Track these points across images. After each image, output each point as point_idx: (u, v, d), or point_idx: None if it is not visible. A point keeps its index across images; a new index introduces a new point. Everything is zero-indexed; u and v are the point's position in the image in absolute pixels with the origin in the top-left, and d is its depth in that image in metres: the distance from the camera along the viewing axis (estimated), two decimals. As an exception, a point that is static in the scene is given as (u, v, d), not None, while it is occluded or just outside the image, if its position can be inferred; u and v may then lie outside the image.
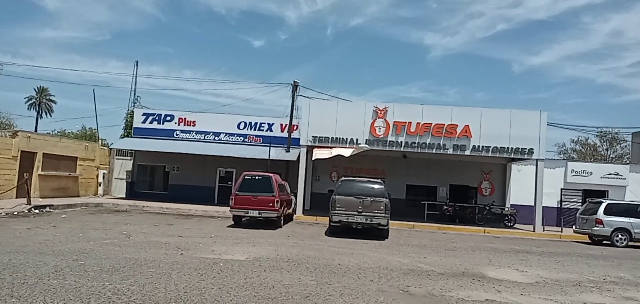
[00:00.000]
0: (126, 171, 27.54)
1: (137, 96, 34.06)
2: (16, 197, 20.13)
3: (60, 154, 23.60)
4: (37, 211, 17.87)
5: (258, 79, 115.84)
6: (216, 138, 27.19)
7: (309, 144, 22.09)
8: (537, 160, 21.80)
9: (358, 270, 9.45)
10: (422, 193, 25.93)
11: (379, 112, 21.99)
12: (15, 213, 16.66)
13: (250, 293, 7.04)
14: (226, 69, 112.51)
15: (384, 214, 14.81)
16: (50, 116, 70.52)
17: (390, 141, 21.91)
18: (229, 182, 27.27)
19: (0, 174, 19.57)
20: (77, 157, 25.09)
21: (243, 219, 16.94)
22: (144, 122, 27.67)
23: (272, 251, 11.26)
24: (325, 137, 21.92)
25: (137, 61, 37.45)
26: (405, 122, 21.84)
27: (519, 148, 21.70)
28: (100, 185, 27.27)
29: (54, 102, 71.22)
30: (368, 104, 22.38)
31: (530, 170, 24.08)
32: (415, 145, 21.87)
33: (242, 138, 27.16)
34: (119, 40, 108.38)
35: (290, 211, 19.19)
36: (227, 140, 27.08)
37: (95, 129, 48.91)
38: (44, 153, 22.24)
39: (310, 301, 6.82)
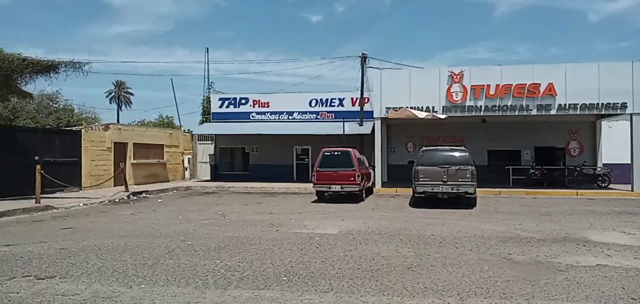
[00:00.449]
0: (209, 155, 28.79)
1: (211, 82, 35.30)
2: (114, 186, 21.69)
3: (149, 143, 25.10)
4: (134, 197, 19.19)
5: (317, 54, 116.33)
6: (290, 117, 27.66)
7: (383, 116, 21.91)
8: (632, 114, 20.28)
9: (453, 240, 9.34)
10: (504, 158, 24.98)
11: (455, 76, 21.35)
12: (117, 200, 17.97)
13: (353, 265, 7.18)
14: (287, 48, 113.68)
15: (470, 182, 14.47)
16: (129, 107, 74.97)
17: (468, 106, 21.25)
18: (306, 160, 27.77)
19: (98, 165, 21.15)
20: (163, 145, 26.57)
21: (326, 194, 17.22)
22: (221, 106, 28.68)
23: (362, 224, 11.39)
24: (399, 108, 21.62)
25: (207, 48, 38.83)
26: (484, 85, 21.07)
27: (610, 103, 20.29)
28: (186, 169, 28.75)
29: (132, 94, 75.50)
30: (442, 69, 21.78)
31: (622, 126, 22.46)
32: (496, 108, 21.06)
33: (314, 115, 27.44)
34: (184, 29, 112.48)
35: (369, 184, 19.26)
36: (301, 118, 27.47)
37: (171, 117, 51.49)
38: (134, 143, 23.74)
39: (414, 272, 6.86)
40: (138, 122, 47.13)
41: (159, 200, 18.40)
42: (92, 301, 5.52)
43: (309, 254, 7.95)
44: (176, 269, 6.96)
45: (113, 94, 72.65)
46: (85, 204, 16.34)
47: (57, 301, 5.50)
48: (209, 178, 28.55)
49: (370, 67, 25.18)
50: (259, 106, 28.16)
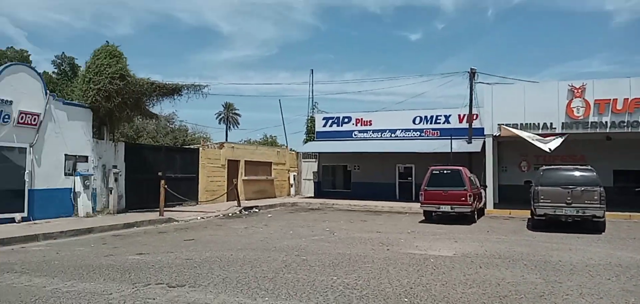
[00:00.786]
0: (313, 172, 29.40)
1: (315, 102, 36.18)
2: (227, 201, 22.90)
3: (258, 161, 26.26)
4: (246, 212, 20.07)
5: (415, 72, 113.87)
6: (392, 135, 27.36)
7: (495, 133, 20.83)
8: None
9: (586, 267, 8.49)
10: (634, 179, 22.51)
11: (576, 91, 19.72)
12: (230, 215, 18.91)
13: (477, 290, 6.78)
14: (384, 67, 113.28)
15: (598, 205, 13.17)
16: (237, 127, 79.14)
17: (592, 122, 19.48)
18: (409, 178, 27.24)
19: (213, 181, 22.50)
20: (271, 163, 27.65)
21: (433, 215, 16.67)
22: (324, 125, 29.21)
23: (478, 247, 10.80)
24: (512, 125, 20.43)
25: (312, 70, 39.65)
26: (610, 100, 19.21)
27: None
28: (291, 186, 29.61)
29: (239, 115, 79.67)
30: (561, 83, 20.24)
31: None
32: (625, 124, 19.08)
33: (418, 133, 26.87)
34: (286, 53, 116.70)
35: (481, 205, 18.32)
36: (404, 136, 27.05)
37: (274, 136, 53.44)
38: (245, 160, 24.98)
39: (547, 301, 6.29)
40: (245, 141, 49.61)
41: (269, 215, 19.04)
42: (222, 311, 5.74)
43: (426, 276, 7.66)
44: (296, 284, 7.05)
45: (222, 115, 77.27)
46: (203, 218, 17.38)
47: (191, 309, 5.80)
48: (313, 195, 29.09)
49: (479, 82, 24.17)
50: (361, 125, 28.22)
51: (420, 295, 6.50)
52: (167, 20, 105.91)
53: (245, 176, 24.83)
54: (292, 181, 29.68)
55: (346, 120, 28.69)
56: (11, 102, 13.28)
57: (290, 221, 16.70)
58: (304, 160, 30.50)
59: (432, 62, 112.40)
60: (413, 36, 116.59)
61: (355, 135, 28.21)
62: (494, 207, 20.60)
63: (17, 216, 13.41)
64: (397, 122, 27.35)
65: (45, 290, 6.70)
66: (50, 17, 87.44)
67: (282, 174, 28.96)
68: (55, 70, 54.33)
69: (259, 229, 14.20)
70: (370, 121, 28.12)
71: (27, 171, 13.77)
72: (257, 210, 20.93)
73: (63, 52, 58.47)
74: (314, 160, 30.12)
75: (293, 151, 32.15)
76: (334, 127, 28.96)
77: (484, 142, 21.63)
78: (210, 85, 17.76)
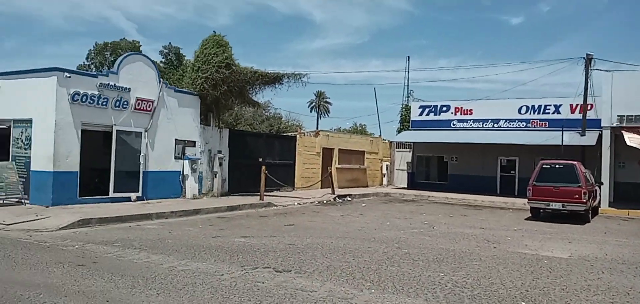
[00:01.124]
0: (406, 162, 28.84)
1: (410, 90, 35.25)
2: (321, 188, 23.20)
3: (351, 149, 26.26)
4: (340, 200, 20.16)
5: (517, 58, 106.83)
6: (495, 125, 25.94)
7: (615, 125, 18.93)
8: None
9: None
10: None
11: None
12: (325, 202, 19.10)
13: (604, 299, 6.15)
14: (482, 53, 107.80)
15: None
16: (327, 115, 79.83)
17: None
18: (512, 172, 25.76)
19: (308, 168, 22.88)
20: (364, 151, 27.54)
21: (541, 212, 15.54)
22: (420, 114, 28.42)
23: (596, 250, 9.86)
24: (636, 116, 18.44)
25: (408, 57, 38.53)
26: None
27: None
28: (384, 176, 29.31)
29: (330, 103, 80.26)
30: (697, 70, 17.90)
31: None
32: None
33: (524, 123, 25.23)
34: (377, 40, 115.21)
35: (595, 203, 16.78)
36: (508, 127, 25.54)
37: (364, 125, 53.04)
38: (339, 149, 25.09)
39: (693, 318, 5.53)
40: (335, 129, 49.89)
41: (363, 204, 18.96)
42: (330, 300, 5.71)
43: (542, 279, 7.09)
44: (401, 278, 6.86)
45: (314, 103, 78.39)
46: (299, 204, 17.72)
47: (299, 296, 5.83)
48: (406, 186, 28.52)
49: (595, 69, 22.07)
50: (461, 114, 27.08)
51: (539, 300, 6.01)
52: (263, 10, 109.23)
53: (338, 164, 24.95)
54: (384, 171, 29.35)
55: (444, 109, 27.70)
56: (129, 89, 14.37)
57: (386, 211, 16.47)
58: (397, 150, 30.00)
59: (534, 48, 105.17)
60: (515, 20, 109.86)
61: (453, 125, 27.14)
62: (609, 206, 18.81)
63: (133, 195, 14.54)
64: (501, 111, 25.86)
65: (162, 267, 7.12)
66: (157, 10, 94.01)
67: (374, 164, 28.74)
68: (163, 60, 58.40)
69: (355, 218, 14.17)
70: (471, 110, 26.88)
71: (142, 154, 14.87)
72: (350, 199, 20.93)
73: (169, 43, 62.56)
74: (408, 150, 29.51)
75: (386, 140, 31.74)
76: (431, 116, 28.08)
77: (600, 135, 19.79)
78: (309, 74, 17.94)
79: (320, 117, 78.16)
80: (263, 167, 17.17)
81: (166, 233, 10.34)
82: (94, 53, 58.08)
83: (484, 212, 17.58)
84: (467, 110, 26.86)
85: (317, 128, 64.60)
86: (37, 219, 11.00)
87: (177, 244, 9.00)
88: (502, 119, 25.66)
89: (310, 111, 79.24)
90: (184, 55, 58.41)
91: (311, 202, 18.46)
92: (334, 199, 19.93)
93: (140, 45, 61.19)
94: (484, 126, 26.14)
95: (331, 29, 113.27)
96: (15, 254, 7.73)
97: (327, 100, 79.67)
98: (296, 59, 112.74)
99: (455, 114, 27.15)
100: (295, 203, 17.68)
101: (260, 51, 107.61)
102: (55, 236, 9.58)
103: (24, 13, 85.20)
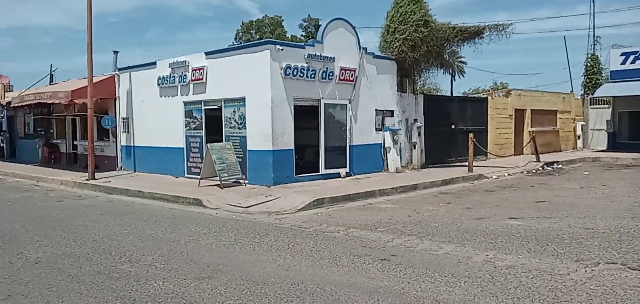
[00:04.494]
0: (606, 121, 24.78)
1: (597, 37, 30.27)
2: (514, 154, 20.75)
3: (543, 109, 23.15)
4: (549, 167, 17.59)
5: None
6: None
7: None
8: None
9: None
10: None
11: None
12: (534, 171, 16.71)
13: None
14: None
15: None
16: (462, 76, 73.94)
17: None
18: None
19: (501, 133, 20.50)
20: (556, 111, 24.17)
21: None
22: (623, 63, 24.06)
23: None
24: None
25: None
26: None
27: None
28: (578, 138, 25.61)
29: (464, 63, 74.20)
30: None
31: None
32: None
33: None
34: None
35: None
36: None
37: (506, 83, 47.19)
38: (531, 109, 22.21)
39: None
40: (472, 90, 45.48)
41: (585, 172, 16.18)
42: None
43: None
44: None
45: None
46: (509, 174, 15.64)
47: None
48: (605, 148, 24.57)
49: None
50: (680, 58, 22.32)
51: None
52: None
53: (531, 127, 22.08)
54: (579, 132, 25.57)
55: (656, 54, 23.08)
56: (334, 58, 13.48)
57: (620, 179, 13.75)
58: (591, 107, 25.95)
59: None
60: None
61: (669, 72, 22.50)
62: None
63: (342, 171, 13.77)
64: None
65: (472, 262, 5.82)
66: None
67: (567, 125, 25.14)
68: (303, 33, 58.95)
69: (596, 189, 11.86)
70: (693, 52, 22.01)
71: (347, 127, 13.98)
72: (559, 165, 18.19)
73: (309, 15, 62.97)
74: (606, 107, 25.34)
75: (578, 97, 27.67)
76: (637, 64, 23.64)
77: None
78: (513, 24, 15.54)
79: (454, 78, 73.00)
80: (471, 135, 15.34)
81: (412, 214, 9.16)
82: (242, 32, 60.62)
83: None
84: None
85: (450, 91, 60.32)
86: (270, 201, 10.57)
87: (443, 229, 7.73)
88: None
89: (443, 73, 74.37)
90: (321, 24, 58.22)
91: (520, 172, 16.24)
92: (543, 167, 17.42)
93: (283, 20, 62.48)
94: None
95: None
96: (291, 243, 7.02)
97: (462, 59, 74.01)
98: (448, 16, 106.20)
99: (675, 59, 22.44)
100: (505, 174, 15.61)
101: (378, 18, 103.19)
102: (300, 219, 8.92)
103: (160, 4, 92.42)
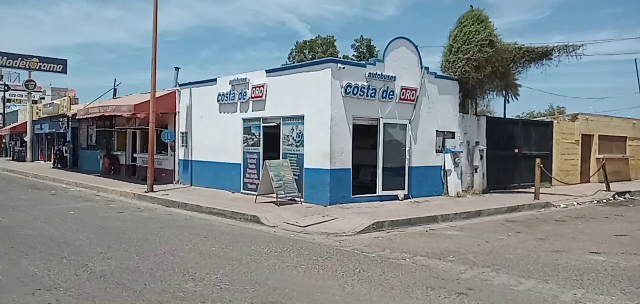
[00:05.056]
0: (682, 149, 23.04)
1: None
2: (580, 182, 19.58)
3: (612, 135, 21.79)
4: (620, 198, 16.42)
5: None
6: None
7: None
8: None
9: None
10: None
11: None
12: (604, 201, 15.62)
13: None
14: None
15: None
16: (516, 99, 71.18)
17: None
18: None
19: (567, 159, 19.40)
20: (625, 137, 22.69)
21: None
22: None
23: None
24: None
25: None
26: None
27: None
28: (651, 167, 23.92)
29: (519, 85, 71.53)
30: None
31: None
32: None
33: None
34: (559, 14, 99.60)
35: None
36: None
37: (563, 108, 44.57)
38: (599, 135, 20.94)
39: None
40: (525, 113, 43.34)
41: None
42: None
43: None
44: None
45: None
46: (578, 203, 14.65)
47: None
48: (681, 179, 22.80)
49: None
50: None
51: None
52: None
53: (599, 153, 20.78)
54: (651, 160, 23.88)
55: None
56: (394, 78, 13.14)
57: None
58: (665, 133, 24.19)
59: None
60: None
61: None
62: None
63: (400, 193, 13.31)
64: None
65: (539, 295, 5.29)
66: (327, 8, 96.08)
67: (637, 152, 23.53)
68: (355, 53, 58.77)
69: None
70: None
71: (407, 148, 13.55)
72: (632, 195, 16.95)
73: (361, 35, 62.96)
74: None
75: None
76: None
77: None
78: (585, 44, 14.68)
79: (508, 101, 70.59)
80: (538, 161, 14.51)
81: (481, 243, 8.62)
82: (295, 52, 61.26)
83: None
84: None
85: (504, 114, 57.98)
86: (327, 221, 10.28)
87: (519, 261, 7.16)
88: None
89: (495, 95, 71.89)
90: (375, 47, 57.98)
91: (590, 201, 15.21)
92: (614, 196, 16.27)
93: (335, 40, 62.73)
94: None
95: (506, 6, 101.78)
96: (356, 268, 6.68)
97: (517, 81, 71.47)
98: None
99: None
100: (574, 202, 14.64)
101: (427, 41, 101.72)
102: (360, 242, 8.57)
103: (215, 25, 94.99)
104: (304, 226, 9.80)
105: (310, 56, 56.59)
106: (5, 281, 5.64)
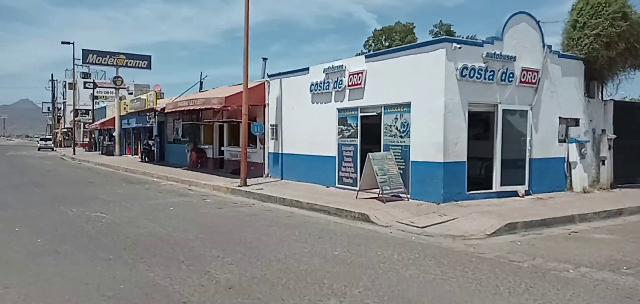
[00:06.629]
0: None
1: None
2: None
3: None
4: None
5: None
6: None
7: None
8: None
9: None
10: None
11: None
12: None
13: None
14: None
15: None
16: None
17: None
18: None
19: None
20: None
21: None
22: None
23: None
24: None
25: None
26: None
27: None
28: None
29: None
30: None
31: None
32: None
33: None
34: None
35: None
36: None
37: None
38: None
39: None
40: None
41: None
42: None
43: None
44: None
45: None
46: None
47: None
48: None
49: None
50: None
51: None
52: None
53: None
54: None
55: None
56: (514, 58, 11.63)
57: None
58: None
59: None
60: None
61: None
62: None
63: (520, 189, 11.79)
64: None
65: None
66: None
67: None
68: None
69: None
70: None
71: (528, 138, 11.99)
72: None
73: (440, 20, 60.16)
74: None
75: None
76: None
77: None
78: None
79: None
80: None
81: (652, 251, 7.07)
82: (372, 41, 59.74)
83: None
84: None
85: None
86: (447, 221, 9.07)
87: None
88: None
89: (626, 77, 66.16)
90: (454, 32, 55.09)
91: None
92: None
93: (414, 26, 60.43)
94: None
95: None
96: (518, 283, 5.47)
97: None
98: (550, 26, 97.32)
99: None
100: None
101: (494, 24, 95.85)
102: (497, 247, 7.34)
103: (284, 19, 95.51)
104: (423, 227, 8.66)
105: (387, 44, 54.83)
106: (128, 292, 4.99)
